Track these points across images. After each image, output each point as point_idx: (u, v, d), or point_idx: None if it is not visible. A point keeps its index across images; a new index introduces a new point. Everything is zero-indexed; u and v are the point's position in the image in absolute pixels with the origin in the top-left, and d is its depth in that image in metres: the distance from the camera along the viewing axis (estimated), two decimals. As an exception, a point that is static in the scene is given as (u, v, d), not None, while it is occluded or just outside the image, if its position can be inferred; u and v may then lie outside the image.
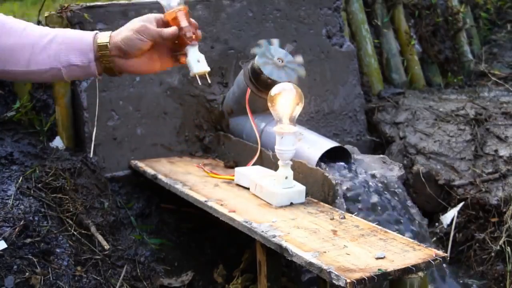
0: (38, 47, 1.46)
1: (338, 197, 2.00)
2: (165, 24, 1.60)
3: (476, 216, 2.41)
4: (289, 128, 1.81)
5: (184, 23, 1.61)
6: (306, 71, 2.17)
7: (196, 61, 1.64)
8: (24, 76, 1.49)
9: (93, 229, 2.02)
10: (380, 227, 1.72)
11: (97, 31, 1.53)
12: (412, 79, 3.26)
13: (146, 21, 1.56)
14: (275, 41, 2.18)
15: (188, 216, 2.31)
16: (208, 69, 1.65)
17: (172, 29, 1.57)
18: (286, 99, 1.81)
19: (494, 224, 2.34)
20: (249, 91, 2.16)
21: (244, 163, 2.15)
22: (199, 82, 1.67)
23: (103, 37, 1.51)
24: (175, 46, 1.60)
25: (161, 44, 1.57)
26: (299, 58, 2.16)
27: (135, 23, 1.53)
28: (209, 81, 1.69)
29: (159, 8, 2.39)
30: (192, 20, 1.62)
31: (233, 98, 2.35)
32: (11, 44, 1.45)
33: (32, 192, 1.98)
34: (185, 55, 1.62)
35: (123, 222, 2.26)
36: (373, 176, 2.16)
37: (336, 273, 1.42)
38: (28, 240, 1.84)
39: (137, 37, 1.51)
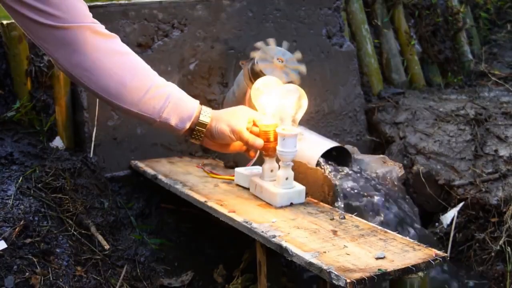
0: (151, 95, 1.60)
1: (338, 197, 2.00)
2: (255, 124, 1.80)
3: (476, 216, 2.41)
4: (291, 129, 1.81)
5: (272, 144, 1.82)
6: (306, 71, 2.17)
7: (270, 171, 1.88)
8: (124, 112, 1.62)
9: (93, 229, 2.02)
10: (380, 227, 1.72)
11: (198, 102, 1.70)
12: (412, 79, 3.26)
13: (244, 124, 1.74)
14: (272, 41, 2.18)
15: (188, 216, 2.31)
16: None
17: (260, 144, 1.77)
18: (288, 100, 1.81)
19: (494, 224, 2.34)
20: (249, 91, 2.15)
21: (244, 163, 2.15)
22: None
23: (205, 116, 1.70)
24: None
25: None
26: (298, 54, 2.16)
27: (234, 122, 1.72)
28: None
29: (159, 8, 2.40)
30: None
31: (233, 98, 2.35)
32: (128, 81, 1.57)
33: (32, 192, 1.98)
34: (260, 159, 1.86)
35: (123, 222, 2.26)
36: (373, 176, 2.16)
37: (336, 273, 1.42)
38: (28, 240, 1.84)
39: (229, 135, 1.72)
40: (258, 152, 2.05)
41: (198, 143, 1.76)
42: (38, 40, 1.50)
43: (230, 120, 1.73)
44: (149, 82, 1.60)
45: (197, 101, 1.70)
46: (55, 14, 1.44)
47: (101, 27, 1.54)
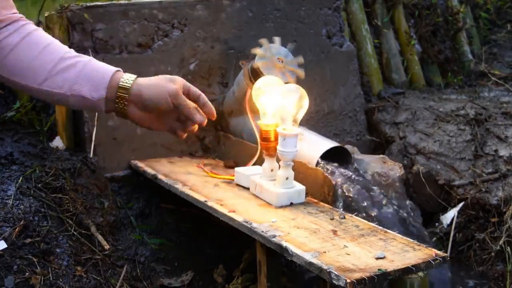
0: (59, 68, 1.41)
1: (338, 197, 2.00)
2: (192, 95, 1.50)
3: (476, 216, 2.41)
4: (292, 129, 1.81)
5: (272, 143, 1.85)
6: (306, 71, 2.17)
7: (270, 171, 1.89)
8: (36, 93, 1.44)
9: (93, 229, 2.02)
10: (380, 227, 1.72)
11: (119, 69, 1.45)
12: (412, 79, 3.26)
13: (180, 86, 1.47)
14: (277, 40, 2.18)
15: (188, 216, 2.31)
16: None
17: (200, 119, 1.50)
18: (289, 100, 1.81)
19: (494, 224, 2.34)
20: (249, 91, 2.16)
21: (244, 163, 2.15)
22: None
23: (128, 79, 1.43)
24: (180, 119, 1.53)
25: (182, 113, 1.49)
26: (300, 59, 2.16)
27: (169, 85, 1.45)
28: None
29: (159, 8, 2.40)
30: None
31: (233, 98, 2.35)
32: (31, 58, 1.41)
33: (32, 192, 1.98)
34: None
35: (123, 222, 2.26)
36: (373, 176, 2.16)
37: (336, 273, 1.42)
38: (28, 240, 1.84)
39: (167, 97, 1.44)
40: (258, 152, 2.05)
41: (123, 117, 1.47)
42: None
43: (163, 82, 1.46)
44: (56, 56, 1.41)
45: (117, 68, 1.46)
46: None
47: (15, 16, 1.43)
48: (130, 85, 1.42)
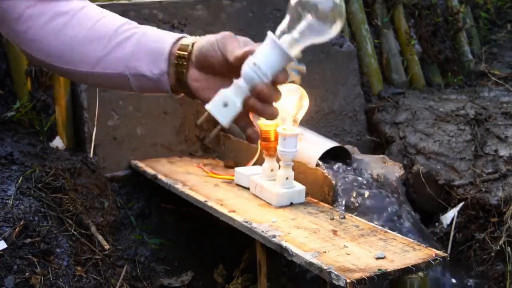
0: (111, 45, 1.13)
1: (338, 197, 2.00)
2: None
3: (476, 216, 2.41)
4: (292, 129, 1.81)
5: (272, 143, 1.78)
6: (306, 71, 2.17)
7: (270, 171, 1.67)
8: (91, 80, 1.18)
9: (93, 229, 2.02)
10: (380, 227, 1.72)
11: (184, 35, 1.14)
12: (412, 79, 3.26)
13: (242, 40, 1.11)
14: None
15: (188, 216, 2.31)
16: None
17: (244, 50, 1.07)
18: (289, 100, 1.81)
19: (494, 224, 2.34)
20: (249, 91, 2.15)
21: (244, 163, 2.15)
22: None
23: (187, 40, 1.12)
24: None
25: (226, 72, 1.10)
26: (302, 67, 2.15)
27: (217, 36, 1.10)
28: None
29: (159, 8, 2.40)
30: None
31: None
32: (80, 39, 1.14)
33: (32, 192, 1.98)
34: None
35: (123, 222, 2.26)
36: (373, 176, 2.16)
37: (336, 273, 1.42)
38: (28, 240, 1.84)
39: (214, 46, 1.09)
40: (258, 152, 2.04)
41: (182, 87, 1.13)
42: None
43: (213, 35, 1.11)
44: (110, 29, 1.14)
45: (181, 34, 1.15)
46: None
47: None
48: (190, 44, 1.11)
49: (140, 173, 2.31)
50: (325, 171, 2.02)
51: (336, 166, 2.12)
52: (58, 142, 2.34)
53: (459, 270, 2.36)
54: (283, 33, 1.06)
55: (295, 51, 1.11)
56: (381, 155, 2.31)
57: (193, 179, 2.14)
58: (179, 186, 2.07)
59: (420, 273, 1.51)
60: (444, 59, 3.39)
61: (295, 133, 1.80)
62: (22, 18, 1.14)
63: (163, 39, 1.12)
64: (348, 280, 1.39)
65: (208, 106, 1.04)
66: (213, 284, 2.25)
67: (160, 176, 2.18)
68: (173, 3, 2.43)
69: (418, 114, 2.78)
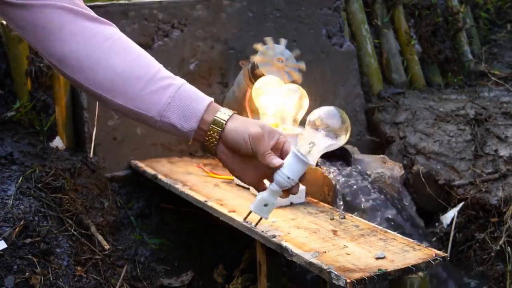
0: (148, 89, 1.25)
1: (338, 197, 2.00)
2: (283, 152, 1.34)
3: (476, 216, 2.41)
4: (292, 129, 1.81)
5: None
6: (306, 71, 2.17)
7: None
8: (122, 110, 1.28)
9: (93, 229, 2.02)
10: (380, 227, 1.72)
11: (212, 100, 1.30)
12: (412, 79, 3.26)
13: (267, 134, 1.30)
14: (283, 41, 2.18)
15: (188, 216, 2.31)
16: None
17: (279, 163, 1.30)
18: (289, 100, 1.81)
19: (494, 224, 2.34)
20: (249, 91, 2.16)
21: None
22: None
23: (223, 114, 1.28)
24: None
25: (250, 157, 1.30)
26: (296, 51, 2.16)
27: (255, 126, 1.29)
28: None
29: (159, 8, 2.40)
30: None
31: (233, 98, 2.35)
32: (120, 69, 1.24)
33: (32, 192, 1.98)
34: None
35: (123, 222, 2.26)
36: (373, 176, 2.16)
37: (336, 273, 1.42)
38: (28, 240, 1.84)
39: (244, 138, 1.27)
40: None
41: (212, 155, 1.33)
42: (17, 29, 1.24)
43: (251, 123, 1.31)
44: (149, 72, 1.27)
45: (211, 98, 1.31)
46: None
47: (86, 9, 1.26)
48: (225, 121, 1.28)
49: (140, 173, 2.31)
50: (325, 171, 2.02)
51: (336, 166, 2.12)
52: (58, 142, 2.34)
53: (459, 270, 2.36)
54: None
55: (313, 159, 1.39)
56: (381, 155, 2.32)
57: (193, 179, 2.14)
58: (179, 186, 2.07)
59: (420, 273, 1.50)
60: (444, 59, 3.39)
61: (295, 133, 1.80)
62: (62, 31, 1.21)
63: (197, 98, 1.28)
64: (348, 280, 1.39)
65: (252, 208, 1.37)
66: (213, 284, 2.25)
67: (160, 176, 2.18)
68: (173, 3, 2.43)
69: (418, 114, 2.78)
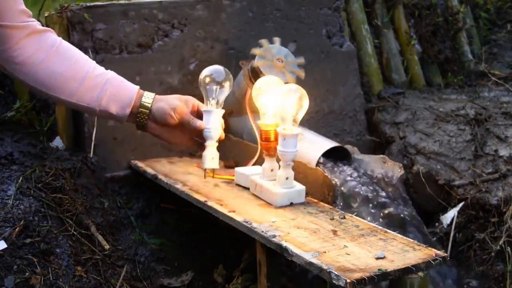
0: (88, 85, 1.59)
1: (338, 197, 2.00)
2: (199, 114, 1.76)
3: (476, 216, 2.41)
4: (292, 129, 1.81)
5: (272, 143, 1.86)
6: (306, 71, 2.17)
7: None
8: (62, 103, 1.63)
9: (93, 229, 2.02)
10: (380, 227, 1.72)
11: (138, 87, 1.66)
12: (412, 79, 3.26)
13: (185, 103, 1.71)
14: (277, 40, 2.18)
15: (188, 216, 2.31)
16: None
17: (200, 125, 1.73)
18: (289, 100, 1.81)
19: (494, 224, 2.34)
20: (249, 91, 2.16)
21: (244, 163, 2.15)
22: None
23: (148, 98, 1.66)
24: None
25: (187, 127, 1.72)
26: (301, 60, 2.16)
27: (175, 101, 1.69)
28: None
29: (159, 8, 2.40)
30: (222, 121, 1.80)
31: (233, 98, 2.35)
32: (61, 72, 1.57)
33: (32, 192, 1.98)
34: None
35: (123, 222, 2.26)
36: (373, 176, 2.16)
37: (336, 273, 1.42)
38: (28, 240, 1.84)
39: (170, 113, 1.66)
40: (258, 152, 2.05)
41: (143, 131, 1.71)
42: None
43: (172, 100, 1.69)
44: (84, 72, 1.59)
45: (137, 86, 1.67)
46: None
47: (34, 25, 1.56)
48: (150, 104, 1.66)
49: (140, 173, 2.31)
50: (325, 171, 2.02)
51: (336, 166, 2.12)
52: (58, 142, 2.34)
53: (459, 270, 2.36)
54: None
55: (217, 106, 1.81)
56: (381, 155, 2.31)
57: (193, 179, 2.14)
58: (179, 186, 2.07)
59: (420, 273, 1.50)
60: (444, 59, 3.39)
61: (295, 133, 1.80)
62: (16, 46, 1.52)
63: (126, 89, 1.65)
64: (348, 280, 1.39)
65: (206, 166, 1.81)
66: (213, 284, 2.25)
67: (160, 176, 2.18)
68: (173, 3, 2.43)
69: (418, 114, 2.78)
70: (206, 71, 1.84)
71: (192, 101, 1.74)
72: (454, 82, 3.36)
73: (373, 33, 3.19)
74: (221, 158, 2.39)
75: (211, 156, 1.80)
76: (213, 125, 1.77)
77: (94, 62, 1.64)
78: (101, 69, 1.64)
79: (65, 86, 1.57)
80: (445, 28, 3.45)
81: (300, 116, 1.83)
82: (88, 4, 2.31)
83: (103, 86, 1.61)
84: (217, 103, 1.81)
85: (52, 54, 1.56)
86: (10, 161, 2.11)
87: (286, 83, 2.02)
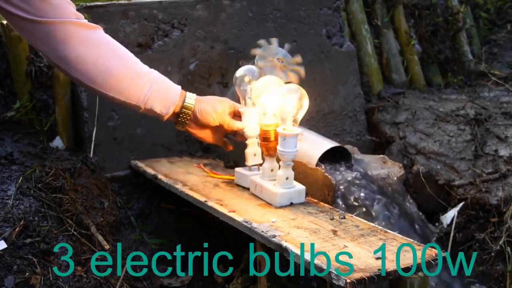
0: (137, 84, 1.66)
1: (338, 197, 2.00)
2: (237, 114, 1.91)
3: (476, 216, 2.41)
4: (292, 129, 1.81)
5: (272, 143, 1.89)
6: (306, 71, 2.17)
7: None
8: (109, 99, 1.68)
9: (93, 229, 2.02)
10: (380, 227, 1.72)
11: (180, 87, 1.78)
12: (412, 79, 3.26)
13: (224, 105, 1.85)
14: (274, 41, 2.18)
15: (188, 216, 2.31)
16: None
17: (240, 126, 1.88)
18: (289, 100, 1.81)
19: (494, 224, 2.34)
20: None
21: (244, 163, 2.15)
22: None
23: (191, 99, 1.79)
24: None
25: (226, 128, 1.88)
26: (298, 58, 2.16)
27: (216, 103, 1.84)
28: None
29: (159, 8, 2.40)
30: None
31: (233, 98, 2.35)
32: (113, 69, 1.62)
33: (32, 192, 1.98)
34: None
35: (123, 222, 2.26)
36: (373, 176, 2.16)
37: (336, 273, 1.42)
38: (28, 240, 1.84)
39: (212, 115, 1.81)
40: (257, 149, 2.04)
41: (183, 129, 1.83)
42: (24, 34, 1.55)
43: (213, 102, 1.84)
44: (133, 71, 1.66)
45: (179, 86, 1.78)
46: (39, 10, 1.50)
47: (84, 20, 1.59)
48: (193, 105, 1.79)
49: (140, 173, 2.31)
50: (325, 171, 2.02)
51: (336, 166, 2.12)
52: (58, 142, 2.34)
53: (459, 270, 2.36)
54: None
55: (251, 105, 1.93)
56: (381, 155, 2.31)
57: (193, 179, 2.14)
58: (179, 186, 2.07)
59: (420, 273, 1.50)
60: (444, 59, 3.39)
61: (295, 133, 1.80)
62: (71, 40, 1.55)
63: (170, 88, 1.76)
64: (348, 280, 1.39)
65: (250, 163, 1.97)
66: (213, 284, 2.25)
67: (160, 176, 2.18)
68: (173, 3, 2.43)
69: (418, 114, 2.78)
70: (241, 71, 1.96)
71: (230, 103, 1.87)
72: (454, 82, 3.36)
73: (373, 33, 3.19)
74: (221, 158, 2.40)
75: (253, 153, 1.96)
76: (252, 124, 1.90)
77: (139, 60, 1.70)
78: (146, 67, 1.71)
79: (117, 84, 1.63)
80: (445, 28, 3.45)
81: (300, 116, 1.83)
82: (88, 4, 2.31)
83: (150, 86, 1.69)
84: (253, 102, 1.92)
85: (103, 51, 1.60)
86: (10, 161, 2.11)
87: (287, 82, 2.02)
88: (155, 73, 1.73)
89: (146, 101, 1.70)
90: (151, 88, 1.69)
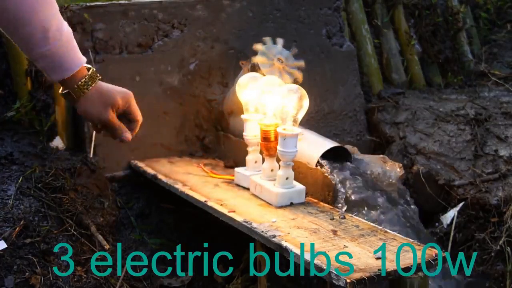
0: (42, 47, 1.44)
1: (338, 197, 2.00)
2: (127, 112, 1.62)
3: (476, 216, 2.41)
4: (292, 129, 1.81)
5: (272, 143, 1.88)
6: (306, 71, 2.17)
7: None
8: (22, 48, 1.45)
9: (93, 229, 2.02)
10: (380, 227, 1.72)
11: (83, 64, 1.48)
12: (412, 79, 3.26)
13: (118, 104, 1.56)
14: (280, 41, 2.19)
15: (188, 216, 2.31)
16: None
17: (126, 137, 1.63)
18: (289, 100, 1.81)
19: (494, 224, 2.34)
20: (249, 91, 2.16)
21: (244, 163, 2.15)
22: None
23: (86, 82, 1.47)
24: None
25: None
26: (301, 63, 2.16)
27: (117, 96, 1.54)
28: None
29: (159, 8, 2.40)
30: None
31: (233, 98, 2.35)
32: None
33: (32, 192, 1.98)
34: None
35: (123, 222, 2.26)
36: (373, 176, 2.16)
37: (336, 273, 1.42)
38: (28, 240, 1.84)
39: (97, 118, 1.51)
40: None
41: (72, 102, 1.49)
42: None
43: (105, 101, 1.52)
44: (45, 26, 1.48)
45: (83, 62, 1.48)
46: None
47: None
48: (89, 90, 1.47)
49: (140, 173, 2.31)
50: (325, 171, 2.02)
51: (336, 166, 2.12)
52: (58, 142, 2.34)
53: (459, 270, 2.36)
54: None
55: None
56: (381, 155, 2.31)
57: (193, 179, 2.14)
58: (179, 186, 2.07)
59: (420, 273, 1.50)
60: (444, 59, 3.39)
61: (295, 133, 1.80)
62: None
63: (71, 59, 1.45)
64: (348, 280, 1.39)
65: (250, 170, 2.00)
66: (213, 284, 2.25)
67: (160, 176, 2.18)
68: (173, 3, 2.43)
69: (418, 114, 2.78)
70: (245, 79, 1.97)
71: (122, 102, 1.58)
72: (454, 82, 3.36)
73: (373, 33, 3.19)
74: (221, 158, 2.40)
75: (254, 160, 2.00)
76: (253, 132, 1.94)
77: (61, 20, 1.55)
78: (57, 34, 1.50)
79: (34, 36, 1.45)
80: (445, 28, 3.45)
81: (300, 116, 1.83)
82: (88, 4, 2.31)
83: (52, 50, 1.44)
84: (255, 110, 1.95)
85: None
86: (10, 161, 2.11)
87: (295, 80, 2.04)
88: (60, 39, 1.48)
89: (44, 59, 1.42)
90: (53, 53, 1.43)
